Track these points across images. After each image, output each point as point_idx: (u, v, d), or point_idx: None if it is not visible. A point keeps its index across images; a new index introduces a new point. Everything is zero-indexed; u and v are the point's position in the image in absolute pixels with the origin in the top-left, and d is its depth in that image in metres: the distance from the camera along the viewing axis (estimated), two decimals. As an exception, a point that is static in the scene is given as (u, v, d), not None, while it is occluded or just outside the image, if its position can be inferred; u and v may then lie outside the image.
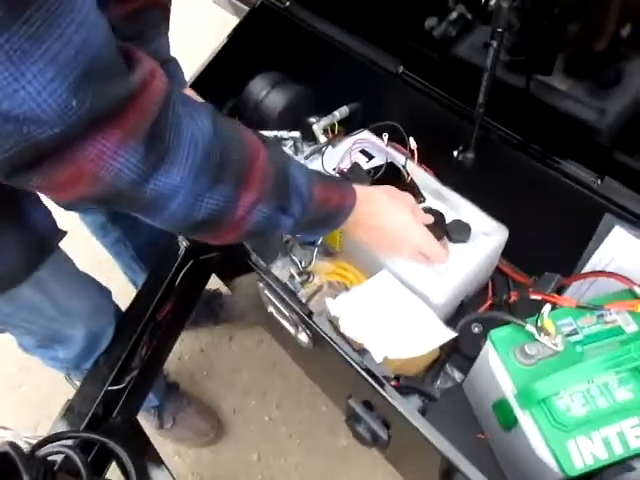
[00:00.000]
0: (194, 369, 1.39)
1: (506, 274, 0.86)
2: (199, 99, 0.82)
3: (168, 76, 0.77)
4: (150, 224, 1.04)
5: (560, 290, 0.79)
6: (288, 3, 1.01)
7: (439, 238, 0.72)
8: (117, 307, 0.99)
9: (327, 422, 1.26)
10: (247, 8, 1.47)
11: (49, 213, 0.75)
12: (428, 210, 0.75)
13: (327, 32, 0.96)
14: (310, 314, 0.66)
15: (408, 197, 0.72)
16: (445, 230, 0.74)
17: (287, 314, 0.71)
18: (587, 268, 0.74)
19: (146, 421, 1.23)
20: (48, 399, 1.30)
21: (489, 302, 0.79)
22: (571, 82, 0.78)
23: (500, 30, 0.62)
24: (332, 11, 0.97)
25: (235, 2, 1.52)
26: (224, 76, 0.97)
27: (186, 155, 0.45)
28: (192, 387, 1.35)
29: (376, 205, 0.68)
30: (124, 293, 1.02)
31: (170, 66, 0.84)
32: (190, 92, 0.88)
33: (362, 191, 0.67)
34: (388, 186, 0.72)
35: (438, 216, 0.75)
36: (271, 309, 0.76)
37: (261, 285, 0.73)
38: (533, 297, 0.66)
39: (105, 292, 0.97)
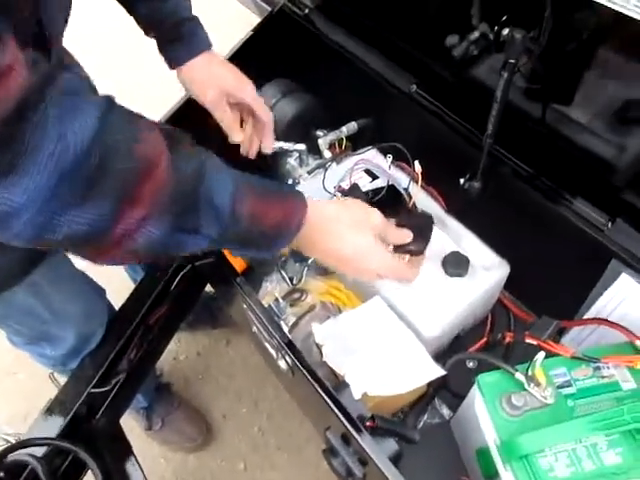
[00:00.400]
0: (188, 371, 1.38)
1: (507, 308, 0.82)
2: (238, 73, 0.79)
3: (187, 36, 0.75)
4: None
5: (561, 332, 0.75)
6: (307, 10, 0.99)
7: (419, 251, 0.65)
8: (110, 307, 0.98)
9: (317, 438, 1.24)
10: (265, 5, 1.45)
11: None
12: (415, 216, 0.69)
13: (343, 44, 0.93)
14: (289, 344, 0.63)
15: (374, 215, 0.61)
16: (429, 236, 0.66)
17: (269, 338, 0.69)
18: (591, 313, 0.70)
19: (135, 421, 1.23)
20: (40, 389, 1.30)
21: (484, 340, 0.76)
22: (591, 115, 0.74)
23: (512, 61, 0.59)
24: (351, 22, 0.95)
25: (259, 2, 1.51)
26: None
27: (44, 165, 0.36)
28: (185, 389, 1.34)
29: (334, 226, 0.58)
30: (123, 290, 1.01)
31: (190, 25, 0.77)
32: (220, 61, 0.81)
33: (318, 208, 0.56)
34: (353, 201, 0.63)
35: (425, 220, 0.67)
36: (255, 329, 0.74)
37: (245, 306, 0.70)
38: (528, 341, 0.63)
39: (99, 292, 0.96)
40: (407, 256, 0.65)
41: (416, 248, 0.64)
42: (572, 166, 0.73)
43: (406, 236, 0.64)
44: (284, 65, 0.96)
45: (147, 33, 0.77)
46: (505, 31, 0.58)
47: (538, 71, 0.70)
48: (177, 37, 0.76)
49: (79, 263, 0.88)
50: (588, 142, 0.73)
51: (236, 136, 0.80)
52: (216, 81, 0.77)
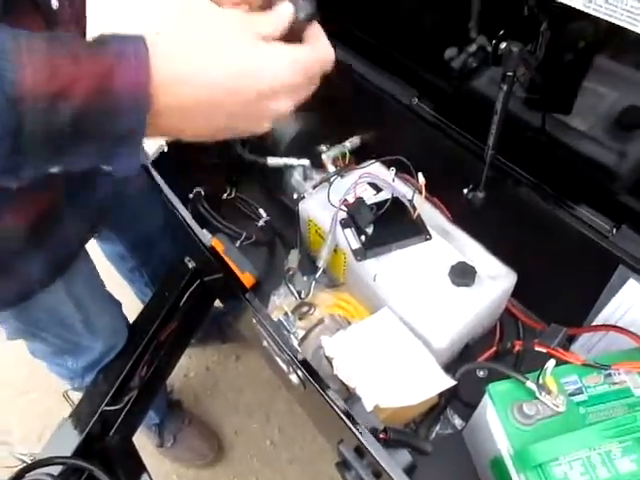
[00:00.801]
0: (198, 387, 1.38)
1: (516, 317, 0.82)
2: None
3: None
4: (164, 251, 1.03)
5: (570, 339, 0.75)
6: (307, 28, 1.01)
7: (309, 16, 0.44)
8: (127, 321, 1.00)
9: (330, 451, 1.24)
10: None
11: None
12: None
13: (343, 59, 0.95)
14: (302, 361, 0.63)
15: (228, 14, 0.40)
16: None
17: (279, 353, 0.69)
18: (600, 319, 0.70)
19: (147, 438, 1.23)
20: (54, 408, 1.31)
21: (494, 349, 0.76)
22: (591, 122, 0.75)
23: (510, 74, 0.60)
24: (351, 38, 0.96)
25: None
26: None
27: None
28: (195, 406, 1.34)
29: (196, 55, 0.37)
30: (133, 307, 1.03)
31: None
32: None
33: (158, 40, 0.36)
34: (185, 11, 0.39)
35: None
36: (265, 344, 0.75)
37: (254, 321, 0.71)
38: (538, 349, 0.63)
39: (120, 306, 0.98)
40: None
41: (304, 14, 0.43)
42: (574, 174, 0.74)
43: (285, 13, 0.42)
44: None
45: None
46: (503, 45, 0.59)
47: (536, 81, 0.71)
48: None
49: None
50: (589, 149, 0.74)
51: None
52: None
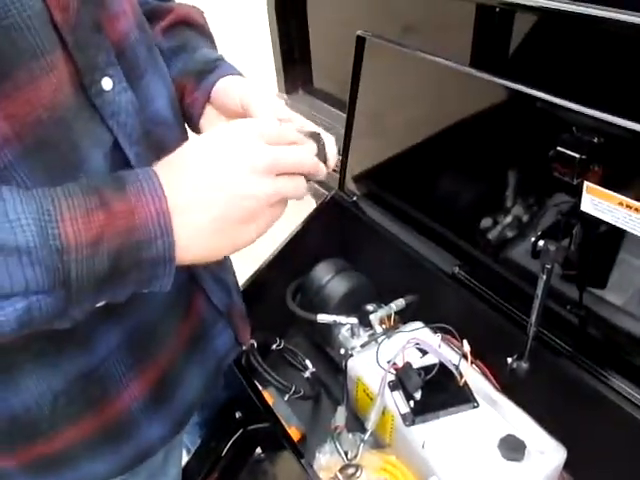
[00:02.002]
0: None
1: (566, 491, 0.81)
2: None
3: (219, 66, 0.64)
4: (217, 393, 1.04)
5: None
6: (355, 197, 1.14)
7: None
8: None
9: None
10: (324, 191, 1.64)
11: None
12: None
13: (388, 227, 1.06)
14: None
15: (240, 132, 0.47)
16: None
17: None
18: (655, 503, 0.69)
19: None
20: None
21: (547, 529, 0.74)
22: (626, 297, 0.80)
23: (549, 267, 0.67)
24: (394, 208, 1.08)
25: (311, 184, 1.72)
26: (295, 257, 1.07)
27: None
28: None
29: (201, 179, 0.44)
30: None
31: (222, 62, 0.67)
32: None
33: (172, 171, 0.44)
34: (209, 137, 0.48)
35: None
36: (316, 511, 0.75)
37: (308, 486, 0.73)
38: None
39: None
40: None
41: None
42: (615, 348, 0.77)
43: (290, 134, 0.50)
44: (337, 246, 1.09)
45: (182, 95, 0.65)
46: (540, 242, 0.67)
47: (573, 261, 0.78)
48: (209, 69, 0.64)
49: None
50: (626, 323, 0.78)
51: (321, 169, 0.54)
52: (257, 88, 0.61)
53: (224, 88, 0.62)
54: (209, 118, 0.64)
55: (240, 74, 0.65)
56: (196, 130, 0.66)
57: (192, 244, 0.45)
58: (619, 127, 0.52)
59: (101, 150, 0.48)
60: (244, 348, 1.00)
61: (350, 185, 1.16)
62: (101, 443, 0.62)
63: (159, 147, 0.55)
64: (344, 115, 1.11)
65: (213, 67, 0.64)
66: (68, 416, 0.58)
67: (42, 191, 0.39)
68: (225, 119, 0.62)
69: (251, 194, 0.45)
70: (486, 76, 0.66)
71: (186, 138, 0.65)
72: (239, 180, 0.45)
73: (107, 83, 0.47)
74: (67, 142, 0.45)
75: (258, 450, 1.16)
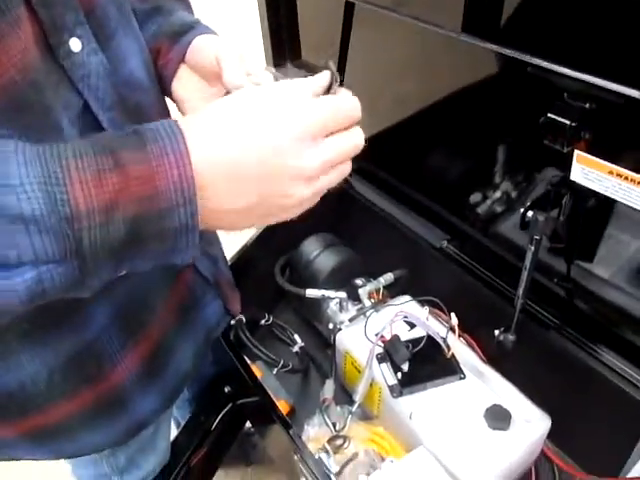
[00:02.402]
0: (219, 516, 1.33)
1: (550, 460, 0.82)
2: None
3: (196, 27, 0.60)
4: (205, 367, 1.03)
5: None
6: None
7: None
8: None
9: None
10: None
11: None
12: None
13: (377, 202, 1.05)
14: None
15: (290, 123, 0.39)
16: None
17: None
18: (635, 470, 0.70)
19: None
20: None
21: (531, 496, 0.75)
22: (613, 270, 0.81)
23: (537, 238, 0.67)
24: (384, 183, 1.07)
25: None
26: (284, 232, 1.06)
27: None
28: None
29: (240, 168, 0.39)
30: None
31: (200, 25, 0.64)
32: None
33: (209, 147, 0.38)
34: (252, 113, 0.40)
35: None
36: (304, 481, 0.75)
37: (296, 458, 0.73)
38: (578, 502, 0.64)
39: None
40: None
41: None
42: (602, 320, 0.78)
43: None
44: (326, 220, 1.08)
45: (156, 58, 0.61)
46: (529, 213, 0.67)
47: (561, 234, 0.78)
48: (184, 31, 0.61)
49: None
50: (613, 296, 0.79)
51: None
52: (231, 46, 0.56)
53: (199, 47, 0.59)
54: (182, 78, 0.60)
55: (216, 34, 0.62)
56: (168, 94, 0.62)
57: (214, 219, 0.40)
58: (611, 92, 0.51)
59: (71, 115, 0.45)
60: (232, 322, 1.00)
61: (339, 159, 1.14)
62: (97, 416, 0.62)
63: (136, 113, 0.53)
64: (333, 88, 1.09)
65: (188, 29, 0.61)
66: (64, 391, 0.58)
67: (49, 149, 0.35)
68: (199, 78, 0.59)
69: (291, 194, 0.40)
70: (477, 41, 0.64)
71: (164, 104, 0.63)
72: (282, 172, 0.39)
73: (75, 44, 0.44)
74: (40, 106, 0.42)
75: (247, 424, 1.17)
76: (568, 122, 0.56)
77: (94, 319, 0.55)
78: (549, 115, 0.57)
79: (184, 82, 0.60)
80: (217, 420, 1.03)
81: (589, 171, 0.59)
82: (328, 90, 0.44)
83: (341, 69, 1.04)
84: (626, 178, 0.56)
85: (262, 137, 0.39)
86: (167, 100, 0.64)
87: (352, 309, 0.99)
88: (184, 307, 0.68)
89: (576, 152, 0.59)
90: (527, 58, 0.58)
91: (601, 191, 0.59)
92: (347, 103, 0.43)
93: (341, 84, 0.45)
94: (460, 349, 0.84)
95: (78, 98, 0.46)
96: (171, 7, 0.64)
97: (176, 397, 0.73)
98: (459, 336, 0.86)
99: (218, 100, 0.41)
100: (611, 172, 0.57)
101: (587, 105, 0.55)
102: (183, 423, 1.03)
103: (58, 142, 0.37)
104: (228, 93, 0.53)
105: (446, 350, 0.82)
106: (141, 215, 0.36)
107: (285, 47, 1.66)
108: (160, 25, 0.62)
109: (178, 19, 0.63)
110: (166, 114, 0.62)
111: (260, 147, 0.38)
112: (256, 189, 0.40)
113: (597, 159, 0.57)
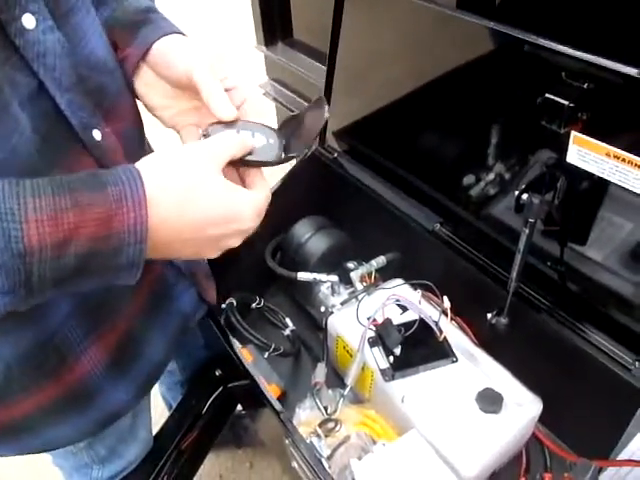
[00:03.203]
0: (210, 496, 1.34)
1: (542, 442, 0.83)
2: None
3: (155, 20, 0.57)
4: (196, 350, 1.03)
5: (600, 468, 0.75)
6: (336, 154, 1.11)
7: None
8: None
9: None
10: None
11: None
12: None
13: (370, 184, 1.03)
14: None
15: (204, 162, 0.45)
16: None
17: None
18: (626, 452, 0.71)
19: None
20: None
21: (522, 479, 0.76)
22: (606, 253, 0.80)
23: (532, 221, 0.66)
24: (376, 165, 1.05)
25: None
26: (275, 214, 1.04)
27: None
28: (207, 516, 1.30)
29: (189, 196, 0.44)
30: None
31: (158, 15, 0.60)
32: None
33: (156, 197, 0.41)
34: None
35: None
36: (295, 464, 0.75)
37: (287, 442, 0.73)
38: (568, 484, 0.64)
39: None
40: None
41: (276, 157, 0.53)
42: (595, 303, 0.78)
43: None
44: (317, 203, 1.06)
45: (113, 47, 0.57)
46: (524, 196, 0.66)
47: (555, 217, 0.78)
48: (140, 21, 0.57)
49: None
50: (606, 279, 0.78)
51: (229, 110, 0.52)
52: (204, 53, 0.55)
53: (164, 52, 0.55)
54: (147, 81, 0.57)
55: (178, 31, 0.58)
56: (130, 87, 0.60)
57: (159, 252, 0.44)
58: (611, 71, 0.50)
59: (22, 96, 0.43)
60: (223, 306, 0.98)
61: (331, 141, 1.12)
62: (63, 409, 0.61)
63: (98, 94, 0.51)
64: (325, 68, 1.06)
65: (144, 19, 0.57)
66: (25, 385, 0.56)
67: (8, 185, 0.36)
68: (164, 83, 0.57)
69: (228, 237, 0.48)
70: (473, 18, 0.62)
71: (133, 90, 0.59)
72: (220, 233, 0.46)
73: (29, 21, 0.42)
74: None
75: (239, 407, 1.17)
76: (566, 102, 0.54)
77: (54, 311, 0.54)
78: (546, 95, 0.56)
79: (150, 85, 0.58)
80: (208, 403, 1.03)
81: (585, 152, 0.58)
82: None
83: (333, 48, 1.01)
84: (623, 160, 0.55)
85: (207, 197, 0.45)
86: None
87: (344, 292, 0.98)
88: (155, 297, 0.67)
89: (573, 133, 0.58)
90: (524, 36, 0.57)
91: (597, 173, 0.58)
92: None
93: (328, 102, 0.52)
94: (452, 332, 0.84)
95: (31, 78, 0.43)
96: None
97: (150, 386, 0.72)
98: (451, 319, 0.86)
99: (174, 152, 0.45)
100: (608, 154, 0.56)
101: (585, 85, 0.54)
102: (174, 406, 1.03)
103: (6, 125, 0.39)
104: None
105: (438, 333, 0.82)
106: (93, 252, 0.38)
107: (276, 26, 1.64)
108: (113, 10, 0.58)
109: (131, 5, 0.59)
110: (133, 102, 0.59)
111: (206, 206, 0.45)
112: (200, 233, 0.45)
113: (594, 140, 0.56)
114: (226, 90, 0.53)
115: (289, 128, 0.56)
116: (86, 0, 0.51)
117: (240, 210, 0.47)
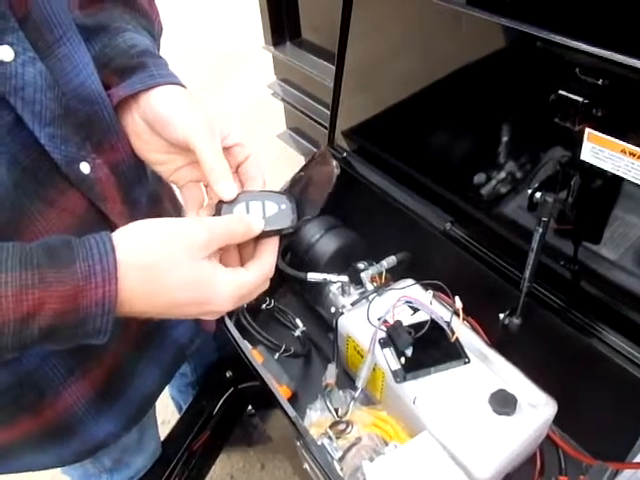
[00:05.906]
0: (223, 497, 1.34)
1: (556, 444, 0.82)
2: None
3: (151, 65, 0.52)
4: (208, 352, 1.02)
5: (616, 473, 0.74)
6: (345, 154, 1.10)
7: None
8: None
9: None
10: (310, 146, 1.59)
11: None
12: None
13: (379, 184, 1.03)
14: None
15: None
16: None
17: None
18: (643, 454, 0.69)
19: None
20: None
21: (536, 480, 0.75)
22: (621, 252, 0.79)
23: (545, 219, 0.65)
24: (385, 165, 1.05)
25: (299, 140, 1.67)
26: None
27: None
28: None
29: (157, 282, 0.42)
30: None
31: (155, 58, 0.55)
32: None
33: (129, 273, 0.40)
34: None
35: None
36: (306, 466, 0.75)
37: (298, 444, 0.72)
38: (584, 487, 0.63)
39: None
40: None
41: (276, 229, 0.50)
42: (609, 302, 0.76)
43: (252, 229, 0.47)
44: (327, 203, 1.05)
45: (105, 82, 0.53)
46: (537, 194, 0.65)
47: (568, 215, 0.77)
48: (137, 66, 0.53)
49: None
50: (619, 278, 0.77)
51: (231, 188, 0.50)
52: (203, 111, 0.51)
53: (158, 110, 0.51)
54: (142, 135, 0.54)
55: (174, 81, 0.53)
56: None
57: (141, 316, 0.44)
58: (626, 67, 0.49)
59: (2, 128, 0.41)
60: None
61: (340, 141, 1.12)
62: (43, 441, 0.60)
63: (89, 127, 0.49)
64: (334, 67, 1.05)
65: (136, 64, 0.52)
66: (2, 420, 0.55)
67: None
68: (159, 139, 0.53)
69: (203, 314, 0.46)
70: (484, 15, 0.61)
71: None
72: (195, 312, 0.45)
73: (6, 53, 0.40)
74: None
75: (249, 408, 1.17)
76: (580, 99, 0.53)
77: (29, 353, 0.52)
78: (560, 92, 0.55)
79: (144, 142, 0.54)
80: (219, 405, 1.03)
81: (600, 150, 0.57)
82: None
83: (342, 47, 1.01)
84: (639, 157, 0.54)
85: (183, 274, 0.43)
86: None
87: (354, 293, 0.97)
88: (146, 331, 0.65)
89: (587, 130, 0.57)
90: (537, 32, 0.56)
91: (612, 170, 0.57)
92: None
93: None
94: (464, 333, 0.83)
95: (7, 111, 0.42)
96: (119, 27, 0.55)
97: (140, 417, 0.70)
98: (463, 320, 0.85)
99: (157, 228, 0.44)
100: (623, 151, 0.55)
101: (600, 81, 0.53)
102: (185, 407, 1.03)
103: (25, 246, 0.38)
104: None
105: (450, 334, 0.81)
106: (58, 325, 0.38)
107: (284, 26, 1.63)
108: (104, 46, 0.54)
109: (125, 42, 0.54)
110: (123, 136, 0.54)
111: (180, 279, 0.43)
112: (174, 312, 0.45)
113: (609, 137, 0.55)
114: (229, 147, 0.52)
115: (297, 188, 0.54)
116: (77, 30, 0.49)
117: (212, 295, 0.44)
